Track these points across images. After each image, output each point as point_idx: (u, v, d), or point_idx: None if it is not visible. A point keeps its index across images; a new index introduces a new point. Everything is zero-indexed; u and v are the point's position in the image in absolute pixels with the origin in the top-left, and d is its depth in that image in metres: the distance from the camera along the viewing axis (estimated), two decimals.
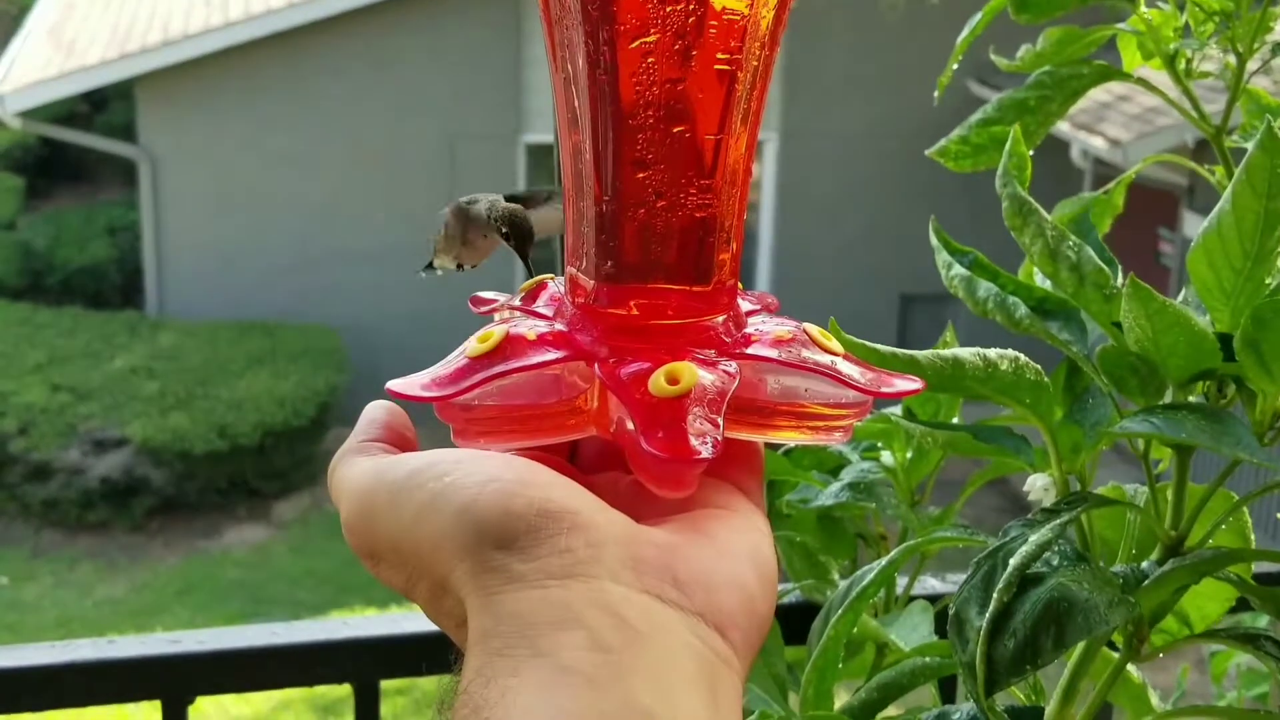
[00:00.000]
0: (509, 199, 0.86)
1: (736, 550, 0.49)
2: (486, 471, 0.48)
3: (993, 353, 0.71)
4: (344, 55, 9.46)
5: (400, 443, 0.55)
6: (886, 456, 0.97)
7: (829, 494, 0.95)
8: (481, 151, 9.54)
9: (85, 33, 10.12)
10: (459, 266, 0.91)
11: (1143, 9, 0.91)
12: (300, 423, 8.36)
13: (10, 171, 12.03)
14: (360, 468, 0.52)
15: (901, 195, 9.65)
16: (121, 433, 8.20)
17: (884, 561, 0.78)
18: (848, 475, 0.96)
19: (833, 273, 9.99)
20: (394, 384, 0.53)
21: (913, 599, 0.97)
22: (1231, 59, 0.91)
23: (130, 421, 8.20)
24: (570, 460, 0.57)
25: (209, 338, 8.98)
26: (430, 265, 0.95)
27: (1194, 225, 7.87)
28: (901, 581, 1.01)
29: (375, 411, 0.56)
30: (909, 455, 0.96)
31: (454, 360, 0.54)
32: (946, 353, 0.68)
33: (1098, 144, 7.89)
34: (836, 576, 1.01)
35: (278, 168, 9.49)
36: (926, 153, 0.93)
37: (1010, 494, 7.54)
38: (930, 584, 1.05)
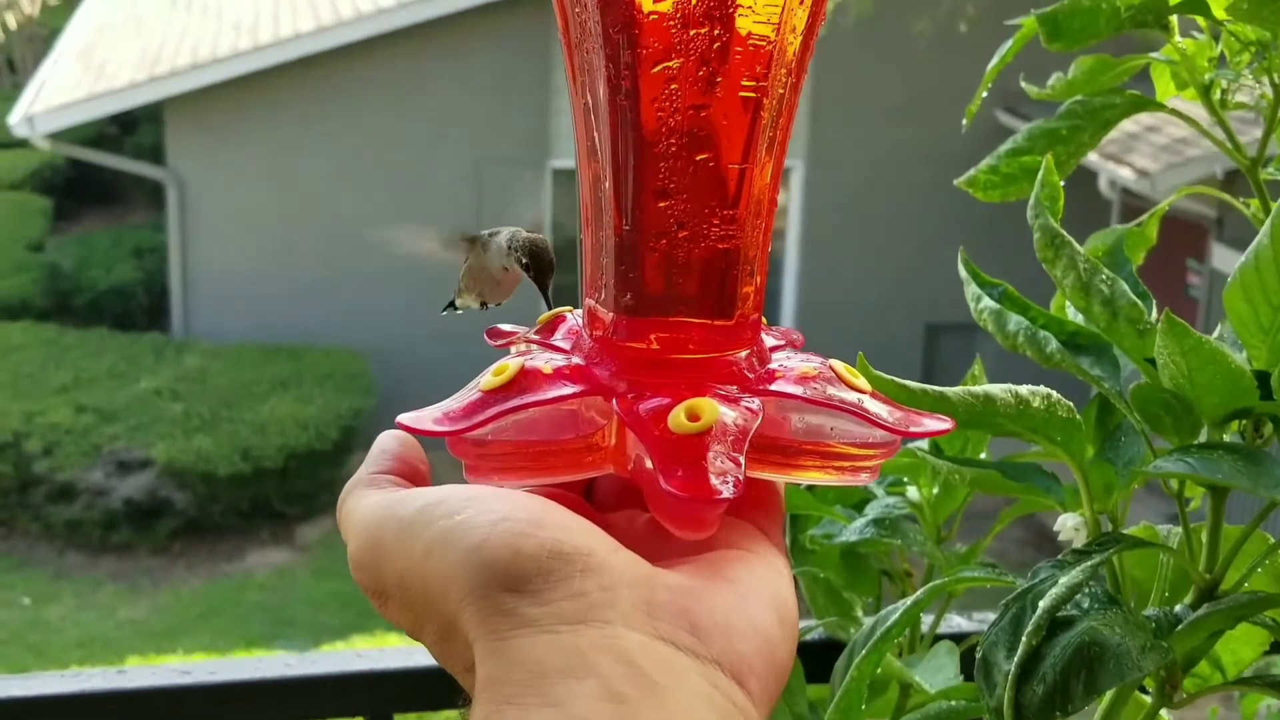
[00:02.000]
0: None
1: (756, 594, 0.48)
2: (498, 510, 0.46)
3: (1024, 389, 0.69)
4: (372, 80, 9.50)
5: (412, 475, 0.53)
6: (912, 492, 0.95)
7: (853, 530, 0.93)
8: (508, 176, 9.55)
9: (115, 56, 10.19)
10: (483, 305, 0.89)
11: (1177, 38, 0.90)
12: (324, 446, 8.36)
13: (39, 193, 12.13)
14: (369, 501, 0.51)
15: (929, 223, 9.63)
16: (146, 454, 8.22)
17: (909, 601, 0.76)
18: (873, 511, 0.94)
19: (859, 301, 9.96)
20: (405, 417, 0.52)
21: (938, 638, 0.95)
22: (1268, 90, 0.90)
23: (155, 443, 8.22)
24: (586, 498, 0.55)
25: (234, 360, 9.01)
26: (452, 304, 0.93)
27: (1223, 257, 7.82)
28: (927, 619, 0.99)
29: (387, 442, 0.54)
30: (935, 491, 0.94)
31: (467, 394, 0.52)
32: (977, 390, 0.66)
33: (1126, 174, 7.86)
34: (860, 614, 0.99)
35: (305, 191, 9.52)
36: (956, 182, 0.92)
37: (1035, 526, 7.49)
38: (956, 622, 1.03)
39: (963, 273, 0.77)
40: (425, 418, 0.52)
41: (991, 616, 1.05)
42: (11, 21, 16.90)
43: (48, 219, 11.58)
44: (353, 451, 8.62)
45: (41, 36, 16.30)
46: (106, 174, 12.05)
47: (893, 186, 9.88)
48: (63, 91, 9.67)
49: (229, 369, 8.91)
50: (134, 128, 12.51)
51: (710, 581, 0.47)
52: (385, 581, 0.49)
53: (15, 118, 9.58)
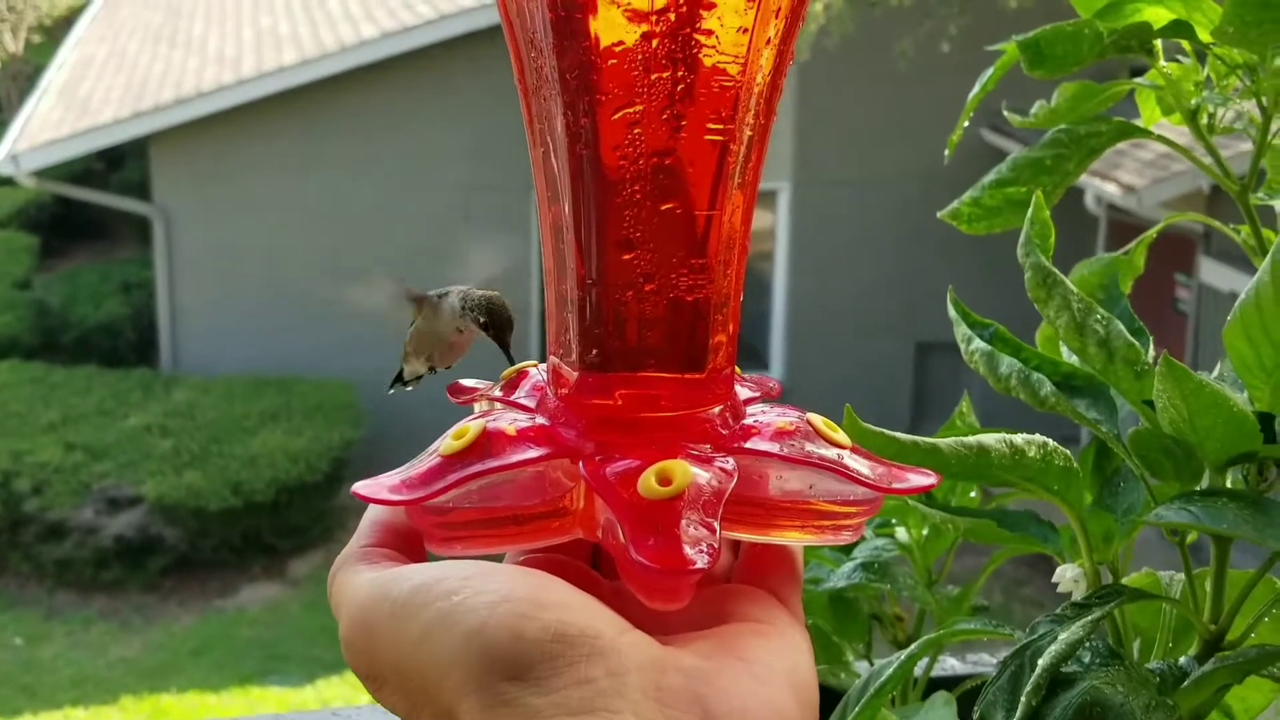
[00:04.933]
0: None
1: (773, 674, 0.44)
2: (497, 590, 0.43)
3: (1019, 438, 0.66)
4: (357, 111, 9.50)
5: (406, 548, 0.50)
6: (901, 533, 0.92)
7: (842, 574, 0.90)
8: (495, 205, 9.55)
9: (99, 91, 10.18)
10: (431, 369, 0.86)
11: (1162, 63, 0.87)
12: (315, 478, 8.33)
13: (25, 230, 12.12)
14: (361, 579, 0.47)
15: (916, 243, 9.63)
16: (136, 491, 8.18)
17: (903, 656, 0.73)
18: (861, 554, 0.91)
19: (848, 322, 9.96)
20: (359, 487, 0.48)
21: (932, 682, 0.92)
22: (1255, 113, 0.87)
23: (144, 480, 8.19)
24: (593, 565, 0.52)
25: (223, 394, 8.98)
26: (400, 379, 0.90)
27: (1211, 271, 7.82)
28: (921, 662, 0.96)
29: (378, 512, 0.51)
30: (925, 533, 0.91)
31: (426, 459, 0.49)
32: (970, 440, 0.63)
33: (1112, 190, 7.86)
34: (851, 659, 0.96)
35: (292, 224, 9.51)
36: (939, 215, 0.89)
37: None
38: (950, 664, 1.00)
39: (952, 313, 0.74)
40: (381, 485, 0.49)
41: (987, 658, 1.02)
42: None
43: (34, 256, 11.56)
44: (343, 483, 8.58)
45: (25, 73, 16.32)
46: (93, 210, 12.03)
47: (880, 206, 9.88)
48: (47, 128, 9.66)
49: (218, 403, 8.88)
50: (120, 163, 12.50)
51: (724, 661, 0.44)
52: (379, 666, 0.45)
53: (0, 155, 9.56)
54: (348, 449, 8.57)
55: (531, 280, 9.69)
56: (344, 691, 6.97)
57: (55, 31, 16.41)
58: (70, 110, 9.92)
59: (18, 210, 12.40)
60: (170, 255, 9.64)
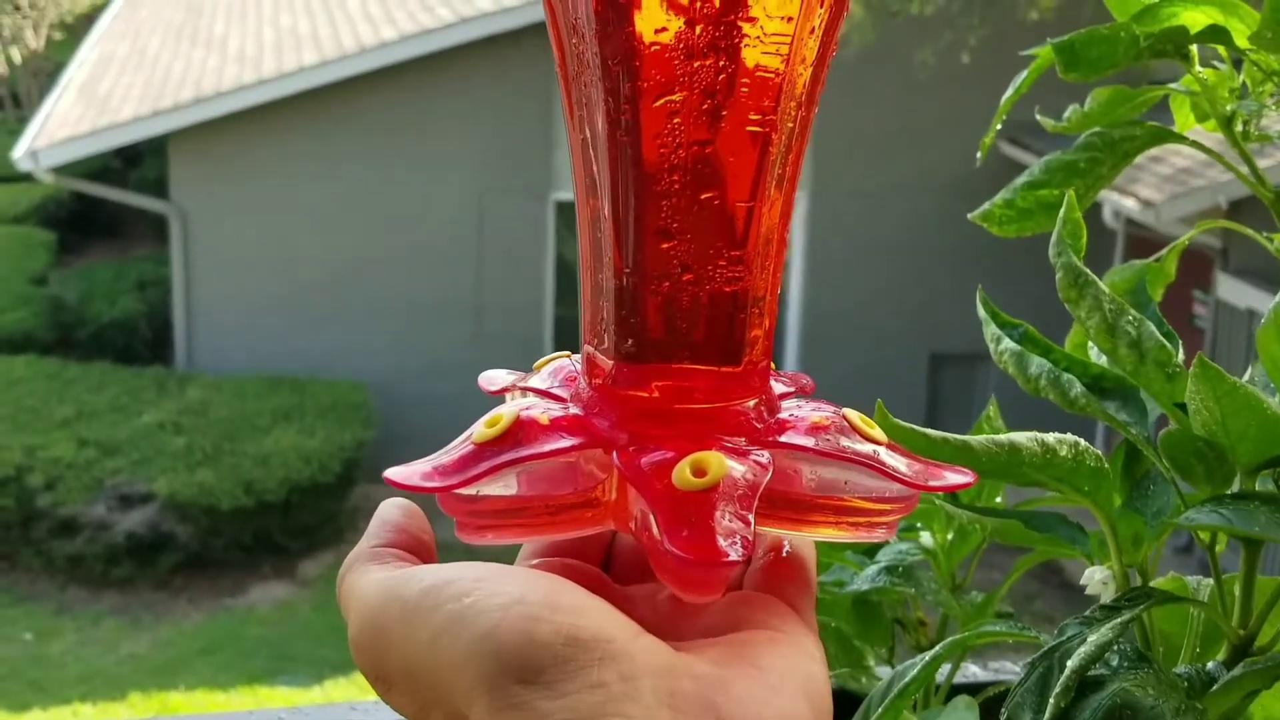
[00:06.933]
0: None
1: (788, 682, 0.44)
2: (510, 592, 0.43)
3: (1051, 437, 0.65)
4: (375, 112, 9.51)
5: (417, 548, 0.49)
6: (926, 537, 0.92)
7: (865, 578, 0.89)
8: (511, 208, 9.56)
9: (119, 89, 10.21)
10: None
11: (1197, 68, 0.87)
12: (327, 479, 8.34)
13: (42, 226, 12.16)
14: (371, 579, 0.47)
15: (930, 253, 9.61)
16: (148, 488, 8.20)
17: (927, 658, 0.73)
18: (885, 557, 0.90)
19: (861, 332, 9.95)
20: (392, 472, 0.48)
21: (954, 688, 0.92)
22: None
23: (157, 477, 8.21)
24: (605, 568, 0.52)
25: (237, 393, 8.99)
26: None
27: (1228, 287, 7.80)
28: (942, 669, 0.96)
29: (389, 512, 0.50)
30: (950, 536, 0.91)
31: (459, 446, 0.49)
32: (1001, 439, 0.63)
33: (1129, 205, 7.84)
34: (872, 663, 0.95)
35: (308, 224, 9.53)
36: (970, 216, 0.89)
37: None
38: (972, 671, 0.99)
39: (981, 313, 0.74)
40: (414, 472, 0.48)
41: (1009, 665, 1.02)
42: (16, 55, 16.97)
43: (51, 253, 11.61)
44: (355, 484, 8.60)
45: (46, 70, 16.39)
46: (110, 207, 12.08)
47: (895, 216, 9.87)
48: (67, 125, 9.69)
49: (231, 402, 8.90)
50: (138, 161, 12.55)
51: (738, 669, 0.43)
52: (388, 668, 0.45)
53: (19, 151, 9.60)
54: (360, 450, 8.59)
55: (546, 283, 9.71)
56: (351, 693, 6.97)
57: (77, 29, 16.47)
58: (90, 108, 9.95)
59: (35, 206, 12.45)
60: (186, 253, 9.67)
